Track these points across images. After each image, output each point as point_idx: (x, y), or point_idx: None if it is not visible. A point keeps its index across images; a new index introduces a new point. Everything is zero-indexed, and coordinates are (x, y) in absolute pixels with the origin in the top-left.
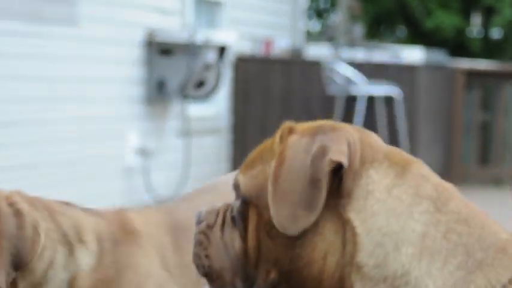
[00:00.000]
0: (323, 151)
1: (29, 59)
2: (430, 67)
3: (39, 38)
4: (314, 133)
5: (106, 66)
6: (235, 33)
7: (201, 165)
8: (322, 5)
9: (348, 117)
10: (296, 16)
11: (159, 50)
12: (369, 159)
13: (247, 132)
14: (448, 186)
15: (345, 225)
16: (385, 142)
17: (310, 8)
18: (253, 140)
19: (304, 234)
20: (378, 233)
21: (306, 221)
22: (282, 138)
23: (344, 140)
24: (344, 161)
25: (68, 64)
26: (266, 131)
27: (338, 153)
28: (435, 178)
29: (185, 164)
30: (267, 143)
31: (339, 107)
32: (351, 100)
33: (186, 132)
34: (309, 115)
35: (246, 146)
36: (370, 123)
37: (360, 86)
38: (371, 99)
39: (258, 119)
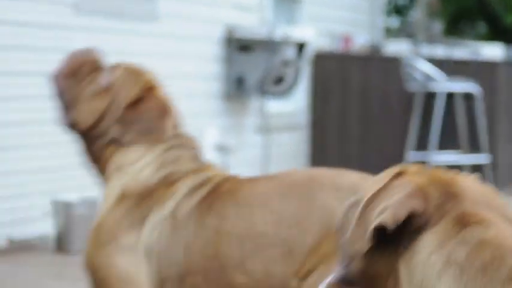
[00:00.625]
0: (380, 210)
1: (111, 55)
2: (510, 64)
3: (121, 35)
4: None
5: (185, 63)
6: (314, 29)
7: (279, 162)
8: (401, 2)
9: (426, 114)
10: (375, 12)
11: (238, 46)
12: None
13: (325, 129)
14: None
15: (396, 271)
16: (463, 139)
17: (389, 4)
18: (331, 136)
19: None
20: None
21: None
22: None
23: (409, 201)
24: (388, 224)
25: (148, 60)
26: (344, 128)
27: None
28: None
29: (264, 160)
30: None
31: (417, 104)
32: (430, 97)
33: (265, 129)
34: (387, 112)
35: (324, 142)
36: (449, 120)
37: (439, 82)
38: (450, 96)
39: (337, 116)
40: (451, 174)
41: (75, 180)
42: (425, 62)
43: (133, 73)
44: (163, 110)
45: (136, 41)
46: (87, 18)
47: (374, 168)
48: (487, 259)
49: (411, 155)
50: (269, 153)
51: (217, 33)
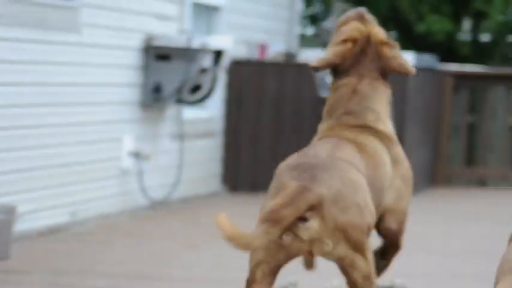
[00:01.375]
0: None
1: (30, 65)
2: (420, 70)
3: (42, 45)
4: None
5: (104, 71)
6: (232, 38)
7: (194, 169)
8: (316, 10)
9: None
10: (291, 21)
11: (156, 54)
12: None
13: (240, 135)
14: None
15: None
16: None
17: (305, 14)
18: (245, 142)
19: None
20: None
21: None
22: None
23: None
24: None
25: (68, 70)
26: (258, 134)
27: None
28: None
29: (179, 166)
30: None
31: None
32: None
33: (181, 136)
34: (300, 118)
35: (238, 148)
36: None
37: None
38: None
39: (251, 122)
40: None
41: None
42: None
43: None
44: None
45: (57, 51)
46: (7, 29)
47: None
48: None
49: None
50: (184, 160)
51: (136, 42)
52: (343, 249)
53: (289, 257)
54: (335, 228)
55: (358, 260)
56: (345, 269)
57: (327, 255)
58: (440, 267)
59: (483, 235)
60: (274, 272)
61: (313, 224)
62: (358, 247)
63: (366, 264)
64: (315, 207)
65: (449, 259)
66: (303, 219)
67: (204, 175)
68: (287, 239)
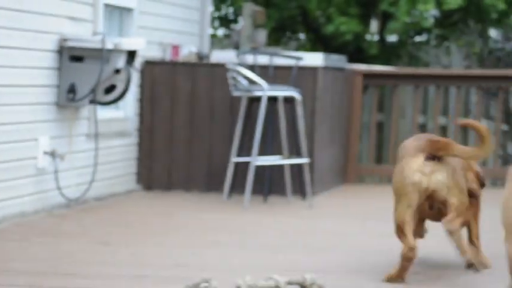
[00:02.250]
0: None
1: None
2: (329, 70)
3: None
4: None
5: (18, 74)
6: (145, 39)
7: (109, 168)
8: (227, 13)
9: (251, 117)
10: (203, 23)
11: (70, 56)
12: None
13: (154, 135)
14: None
15: None
16: (286, 141)
17: (217, 16)
18: (159, 142)
19: None
20: None
21: None
22: None
23: None
24: None
25: None
26: (172, 133)
27: None
28: None
29: (94, 166)
30: None
31: (242, 109)
32: (254, 101)
33: (95, 136)
34: (213, 117)
35: (152, 148)
36: (272, 123)
37: (262, 88)
38: (273, 102)
39: (165, 121)
40: None
41: None
42: (250, 69)
43: None
44: None
45: None
46: None
47: (201, 173)
48: None
49: (236, 159)
50: (99, 159)
51: (50, 43)
52: None
53: None
54: None
55: None
56: None
57: None
58: (350, 262)
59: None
60: None
61: None
62: None
63: None
64: None
65: (352, 255)
66: None
67: (119, 174)
68: None
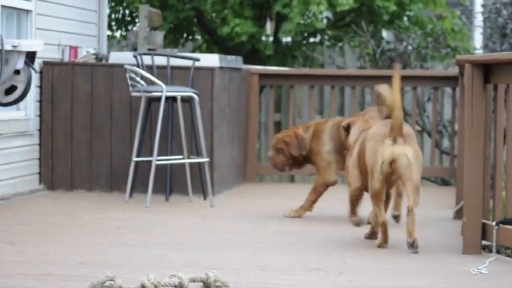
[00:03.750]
0: None
1: None
2: (225, 70)
3: None
4: None
5: None
6: (43, 40)
7: (12, 169)
8: (124, 14)
9: (150, 117)
10: (101, 25)
11: None
12: None
13: (54, 135)
14: None
15: None
16: (185, 141)
17: (114, 18)
18: (60, 142)
19: None
20: None
21: None
22: None
23: None
24: None
25: None
26: (73, 133)
27: None
28: None
29: None
30: None
31: (141, 110)
32: (153, 101)
33: None
34: (113, 117)
35: (54, 148)
36: (171, 123)
37: (161, 87)
38: (172, 100)
39: (65, 122)
40: None
41: None
42: (148, 70)
43: None
44: None
45: None
46: None
47: (103, 173)
48: None
49: (136, 158)
50: (1, 160)
51: None
52: None
53: None
54: None
55: None
56: None
57: None
58: (252, 259)
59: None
60: None
61: None
62: None
63: None
64: None
65: (253, 252)
66: None
67: (22, 174)
68: None
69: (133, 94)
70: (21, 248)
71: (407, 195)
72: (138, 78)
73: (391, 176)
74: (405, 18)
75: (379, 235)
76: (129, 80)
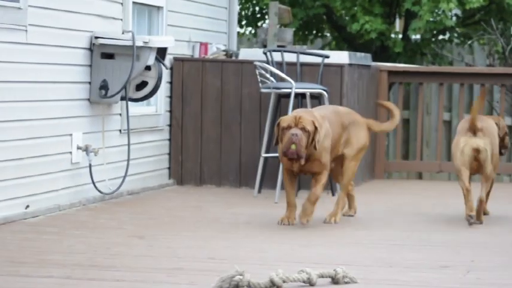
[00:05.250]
0: None
1: None
2: (354, 67)
3: None
4: None
5: (52, 71)
6: (174, 37)
7: (142, 163)
8: (254, 11)
9: (279, 113)
10: (230, 21)
11: (102, 53)
12: None
13: (184, 131)
14: None
15: None
16: None
17: (244, 15)
18: (190, 137)
19: None
20: None
21: None
22: None
23: None
24: None
25: (15, 71)
26: (202, 129)
27: None
28: None
29: (127, 161)
30: None
31: (270, 105)
32: (282, 97)
33: (128, 131)
34: (242, 113)
35: (183, 143)
36: None
37: (290, 84)
38: (301, 97)
39: (195, 118)
40: None
41: None
42: (278, 66)
43: None
44: None
45: (4, 52)
46: None
47: (231, 168)
48: None
49: (265, 154)
50: (132, 155)
51: (82, 41)
52: None
53: None
54: None
55: None
56: None
57: None
58: (381, 257)
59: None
60: None
61: None
62: None
63: None
64: None
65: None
66: None
67: (152, 169)
68: None
69: (263, 90)
70: (151, 242)
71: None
72: (267, 75)
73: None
74: None
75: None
76: (258, 77)
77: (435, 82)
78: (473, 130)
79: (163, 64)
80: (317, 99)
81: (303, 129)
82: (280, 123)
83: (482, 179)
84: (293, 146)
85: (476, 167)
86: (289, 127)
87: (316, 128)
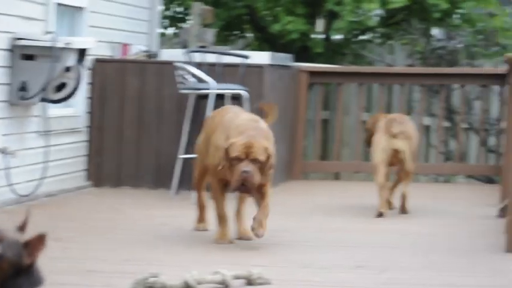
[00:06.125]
0: None
1: None
2: (275, 68)
3: None
4: None
5: None
6: (94, 38)
7: (60, 165)
8: (176, 12)
9: (199, 115)
10: (152, 22)
11: (22, 55)
12: None
13: (103, 132)
14: None
15: None
16: None
17: (165, 15)
18: (109, 139)
19: None
20: None
21: None
22: None
23: None
24: None
25: None
26: (122, 130)
27: None
28: None
29: (45, 163)
30: None
31: (189, 106)
32: (202, 99)
33: (46, 133)
34: (162, 114)
35: (102, 145)
36: None
37: (210, 85)
38: (221, 99)
39: (114, 119)
40: None
41: None
42: (198, 67)
43: None
44: None
45: None
46: None
47: (149, 170)
48: None
49: (183, 155)
50: (50, 156)
51: (2, 42)
52: None
53: None
54: None
55: None
56: None
57: None
58: (296, 258)
59: (336, 227)
60: None
61: None
62: None
63: None
64: None
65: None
66: None
67: (70, 171)
68: None
69: (182, 91)
70: (67, 245)
71: None
72: (187, 76)
73: None
74: (454, 16)
75: None
76: (177, 77)
77: (355, 82)
78: (393, 134)
79: (84, 65)
80: (237, 100)
81: (255, 160)
82: (229, 152)
83: (402, 175)
84: (244, 183)
85: (396, 162)
86: (238, 159)
87: (269, 155)
